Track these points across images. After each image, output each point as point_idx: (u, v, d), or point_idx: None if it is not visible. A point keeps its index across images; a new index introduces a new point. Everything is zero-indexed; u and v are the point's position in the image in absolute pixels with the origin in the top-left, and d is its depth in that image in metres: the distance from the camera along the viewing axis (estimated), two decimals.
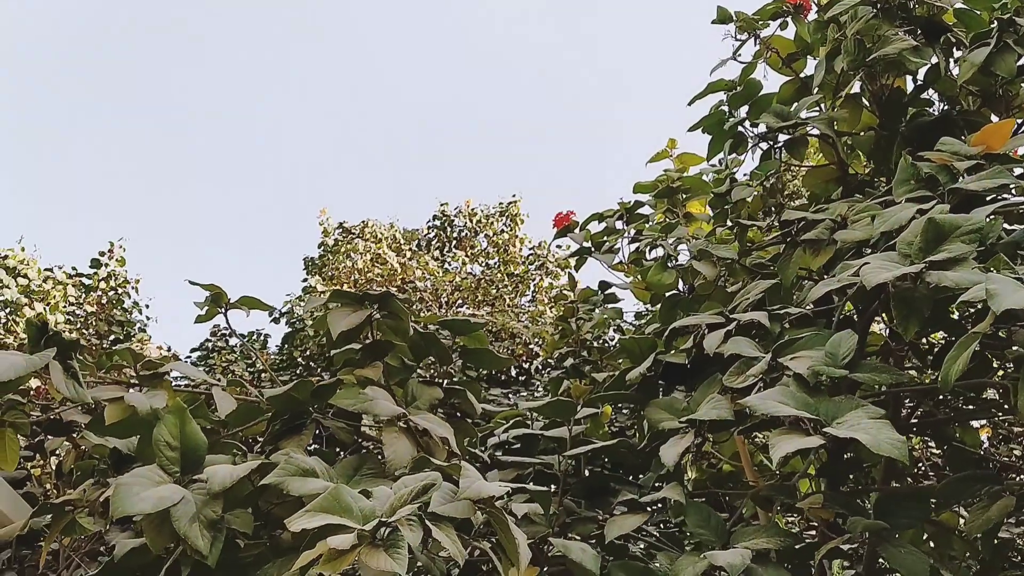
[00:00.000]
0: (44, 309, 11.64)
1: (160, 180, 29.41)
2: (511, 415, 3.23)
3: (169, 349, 12.60)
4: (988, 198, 2.33)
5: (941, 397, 3.16)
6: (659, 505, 2.63)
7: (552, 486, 2.64)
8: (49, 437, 4.06)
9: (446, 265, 16.59)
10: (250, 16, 28.54)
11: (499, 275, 15.84)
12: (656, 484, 2.75)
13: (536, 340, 11.04)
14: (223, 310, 2.50)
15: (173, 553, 2.00)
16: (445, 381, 2.49)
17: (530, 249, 16.77)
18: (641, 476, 2.95)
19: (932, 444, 4.37)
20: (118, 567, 2.23)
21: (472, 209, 17.29)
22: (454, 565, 2.88)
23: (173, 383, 2.33)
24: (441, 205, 17.65)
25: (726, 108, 3.28)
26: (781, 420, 2.26)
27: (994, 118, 2.96)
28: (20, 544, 4.34)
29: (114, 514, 1.68)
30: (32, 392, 4.03)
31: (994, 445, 4.76)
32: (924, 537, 3.07)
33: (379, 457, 2.23)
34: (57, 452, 3.97)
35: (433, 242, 17.38)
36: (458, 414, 2.62)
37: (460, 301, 14.75)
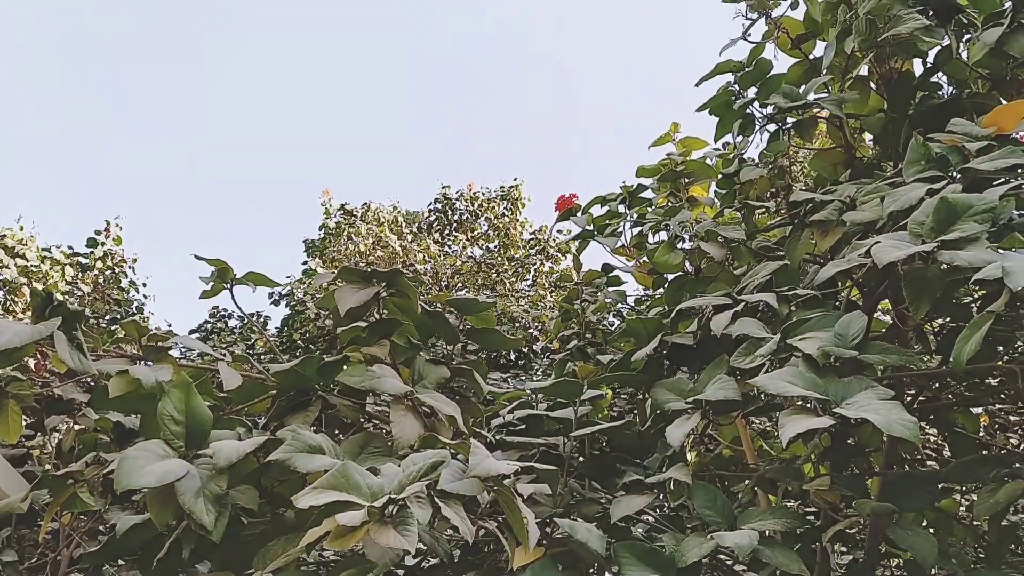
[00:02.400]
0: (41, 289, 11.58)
1: (159, 158, 29.31)
2: (515, 396, 3.22)
3: (170, 326, 12.59)
4: (998, 181, 2.30)
5: (943, 383, 3.15)
6: (654, 490, 2.62)
7: (556, 467, 2.63)
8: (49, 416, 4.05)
9: (446, 248, 16.55)
10: None
11: (499, 259, 15.82)
12: (660, 467, 2.74)
13: (536, 324, 11.02)
14: (229, 286, 2.46)
15: (175, 530, 1.99)
16: (455, 361, 2.46)
17: (531, 233, 16.74)
18: (639, 460, 2.93)
19: (930, 431, 4.37)
20: (120, 543, 2.22)
21: (474, 192, 17.23)
22: (455, 545, 2.87)
23: (177, 360, 2.31)
24: (443, 188, 17.60)
25: (735, 88, 3.26)
26: (784, 404, 2.24)
27: (1003, 102, 2.93)
28: (20, 523, 4.33)
29: (118, 487, 1.66)
30: (31, 371, 4.00)
31: (990, 433, 4.75)
32: (923, 524, 3.06)
33: (385, 436, 2.22)
34: (58, 429, 3.96)
35: (434, 225, 17.32)
36: (464, 395, 2.60)
37: (460, 284, 14.72)
